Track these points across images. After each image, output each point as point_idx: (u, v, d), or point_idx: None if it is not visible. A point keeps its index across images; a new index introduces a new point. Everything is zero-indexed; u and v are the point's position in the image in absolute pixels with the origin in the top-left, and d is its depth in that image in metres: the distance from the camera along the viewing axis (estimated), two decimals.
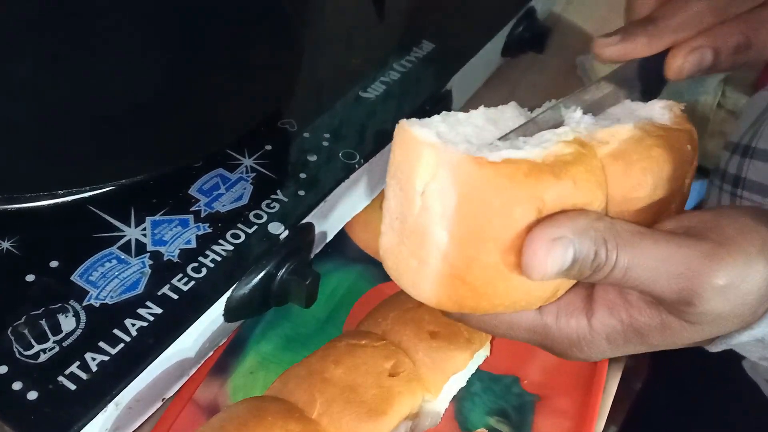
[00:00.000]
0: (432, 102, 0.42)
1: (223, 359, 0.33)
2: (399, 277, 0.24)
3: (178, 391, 0.31)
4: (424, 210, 0.22)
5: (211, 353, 0.33)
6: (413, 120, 0.22)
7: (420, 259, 0.22)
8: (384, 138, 0.39)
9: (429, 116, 0.42)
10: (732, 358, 0.45)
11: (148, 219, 0.31)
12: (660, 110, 0.27)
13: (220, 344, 0.33)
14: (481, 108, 0.25)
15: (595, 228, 0.22)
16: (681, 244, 0.22)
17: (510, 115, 0.25)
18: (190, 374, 0.32)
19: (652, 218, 0.25)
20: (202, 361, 0.32)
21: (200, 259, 0.31)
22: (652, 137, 0.24)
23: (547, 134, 0.23)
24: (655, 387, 0.57)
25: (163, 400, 0.30)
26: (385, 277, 0.41)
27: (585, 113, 0.25)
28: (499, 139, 0.23)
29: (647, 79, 0.30)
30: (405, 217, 0.22)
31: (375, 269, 0.39)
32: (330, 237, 0.38)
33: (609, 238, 0.22)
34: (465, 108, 0.48)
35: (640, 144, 0.24)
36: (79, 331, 0.27)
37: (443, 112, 0.24)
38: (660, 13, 0.28)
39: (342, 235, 0.39)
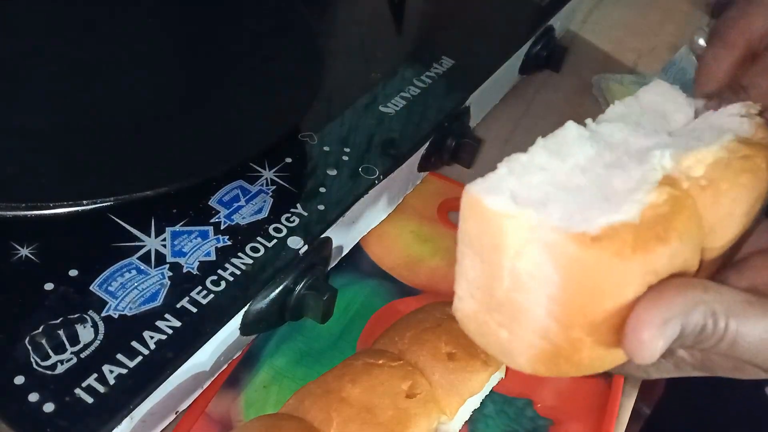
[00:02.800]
0: (450, 118, 0.42)
1: (237, 373, 0.33)
2: (486, 344, 0.22)
3: (191, 404, 0.31)
4: (517, 287, 0.20)
5: (225, 366, 0.32)
6: (481, 185, 0.20)
7: (513, 332, 0.21)
8: (403, 153, 0.39)
9: (448, 132, 0.42)
10: (747, 384, 0.45)
11: (168, 229, 0.31)
12: (738, 119, 0.24)
13: (234, 358, 0.33)
14: (539, 141, 0.22)
15: (704, 300, 0.20)
16: None
17: (572, 139, 0.22)
18: (204, 387, 0.31)
19: (736, 245, 0.23)
20: (216, 375, 0.32)
21: (219, 272, 0.30)
22: (739, 159, 0.22)
23: (635, 176, 0.21)
24: (666, 411, 0.57)
25: (176, 413, 0.30)
26: (399, 294, 0.41)
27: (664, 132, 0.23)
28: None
29: None
30: (491, 289, 0.21)
31: (389, 285, 0.39)
32: (346, 251, 0.38)
33: (718, 310, 0.20)
34: (482, 125, 0.49)
35: (728, 169, 0.22)
36: (97, 343, 0.27)
37: (505, 160, 0.21)
38: (748, 81, 0.27)
39: (357, 249, 0.39)
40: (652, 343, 0.20)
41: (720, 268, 0.24)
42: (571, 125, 0.23)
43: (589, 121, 0.24)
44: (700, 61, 0.30)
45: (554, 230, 0.19)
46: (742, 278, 0.23)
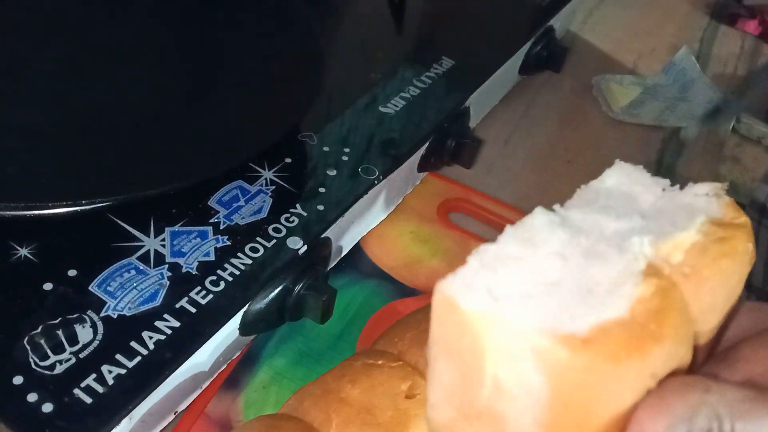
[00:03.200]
0: (450, 118, 0.42)
1: (236, 373, 0.33)
2: None
3: (190, 404, 0.31)
4: (500, 396, 0.18)
5: (224, 367, 0.32)
6: (453, 282, 0.18)
7: None
8: (403, 153, 0.39)
9: (448, 132, 0.42)
10: None
11: (168, 229, 0.31)
12: (706, 199, 0.23)
13: (234, 358, 0.33)
14: (507, 229, 0.20)
15: (708, 402, 0.19)
16: None
17: (541, 226, 0.21)
18: (204, 387, 0.31)
19: (719, 333, 0.22)
20: (216, 375, 0.32)
21: (218, 272, 0.30)
22: (715, 243, 0.21)
23: (616, 266, 0.19)
24: None
25: (175, 413, 0.30)
26: (399, 294, 0.41)
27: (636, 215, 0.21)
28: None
29: None
30: (470, 397, 0.19)
31: (389, 285, 0.39)
32: (345, 251, 0.38)
33: (722, 412, 0.19)
34: (482, 125, 0.49)
35: (706, 255, 0.21)
36: (96, 343, 0.27)
37: (474, 252, 0.19)
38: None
39: (356, 250, 0.39)
40: None
41: (706, 358, 0.23)
42: (539, 211, 0.21)
43: (557, 206, 0.22)
44: None
45: (540, 333, 0.17)
46: (736, 372, 0.22)
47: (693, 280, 0.20)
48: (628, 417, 0.18)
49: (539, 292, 0.18)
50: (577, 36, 0.61)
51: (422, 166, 0.42)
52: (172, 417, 0.30)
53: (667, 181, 0.24)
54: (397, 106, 0.41)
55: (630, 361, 0.18)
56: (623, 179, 0.24)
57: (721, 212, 0.22)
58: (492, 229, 0.43)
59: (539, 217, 0.21)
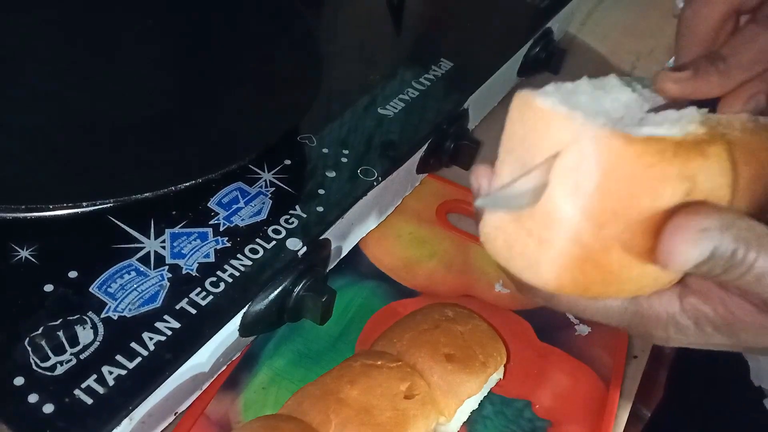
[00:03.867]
0: (449, 120, 0.42)
1: (236, 374, 0.33)
2: (509, 258, 0.21)
3: (190, 405, 0.31)
4: (551, 183, 0.20)
5: (224, 368, 0.32)
6: (531, 92, 0.21)
7: (542, 239, 0.20)
8: (402, 155, 0.39)
9: (446, 134, 0.42)
10: (747, 396, 0.45)
11: (168, 231, 0.31)
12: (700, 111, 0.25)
13: (233, 359, 0.33)
14: (584, 78, 0.23)
15: (738, 226, 0.20)
16: None
17: (614, 83, 0.24)
18: (203, 389, 0.31)
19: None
20: (215, 376, 0.32)
21: (218, 273, 0.30)
22: (765, 131, 0.24)
23: (675, 114, 0.22)
24: (667, 414, 0.57)
25: (175, 414, 0.30)
26: (398, 295, 0.41)
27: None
28: (648, 111, 0.22)
29: None
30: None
31: (388, 286, 0.39)
32: (345, 252, 0.38)
33: (751, 239, 0.20)
34: (480, 127, 0.49)
35: (756, 135, 0.23)
36: (96, 344, 0.27)
37: (552, 83, 0.22)
38: (729, 51, 0.27)
39: (355, 251, 0.39)
40: (687, 248, 0.19)
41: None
42: (613, 77, 0.24)
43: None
44: (679, 20, 0.30)
45: (603, 128, 0.19)
46: None
47: (744, 149, 0.22)
48: (663, 217, 0.20)
49: (606, 114, 0.21)
50: (575, 38, 0.61)
51: (421, 168, 0.42)
52: (172, 418, 0.30)
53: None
54: (396, 108, 0.41)
55: (675, 161, 0.20)
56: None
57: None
58: None
59: (612, 78, 0.24)
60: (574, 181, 0.20)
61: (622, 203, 0.20)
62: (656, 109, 0.24)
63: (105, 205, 0.28)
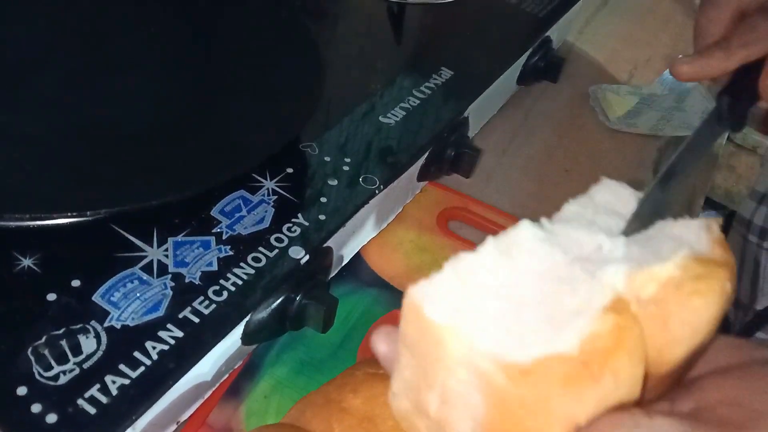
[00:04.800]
0: (449, 128, 0.42)
1: (238, 383, 0.33)
2: None
3: (192, 414, 0.31)
4: (447, 402, 0.20)
5: (226, 376, 0.32)
6: (423, 289, 0.20)
7: None
8: (403, 163, 0.39)
9: (447, 142, 0.42)
10: None
11: (171, 240, 0.31)
12: (697, 233, 0.23)
13: (236, 367, 0.33)
14: (490, 240, 0.21)
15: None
16: None
17: (525, 240, 0.22)
18: (206, 397, 0.31)
19: (688, 364, 0.22)
20: (217, 385, 0.32)
21: (221, 282, 0.31)
22: (692, 281, 0.21)
23: (583, 293, 0.20)
24: None
25: (177, 423, 0.30)
26: (400, 303, 0.41)
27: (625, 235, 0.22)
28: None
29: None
30: (422, 398, 0.21)
31: (389, 294, 0.39)
32: (346, 260, 0.38)
33: None
34: (480, 135, 0.49)
35: (680, 291, 0.21)
36: (99, 353, 0.27)
37: (452, 259, 0.21)
38: (731, 34, 0.30)
39: (357, 259, 0.39)
40: None
41: (672, 385, 0.23)
42: (526, 225, 0.22)
43: (544, 220, 0.23)
44: (695, 24, 0.34)
45: (487, 357, 0.18)
46: (690, 399, 0.22)
47: (659, 316, 0.21)
48: None
49: (501, 312, 0.20)
50: (573, 46, 0.62)
51: (422, 176, 0.42)
52: (174, 427, 0.30)
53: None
54: (396, 117, 0.41)
55: (563, 396, 0.18)
56: (610, 197, 0.25)
57: (709, 248, 0.22)
58: (492, 237, 0.43)
59: (524, 231, 0.22)
60: (462, 405, 0.19)
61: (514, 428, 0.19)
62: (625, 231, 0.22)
63: (108, 214, 0.28)
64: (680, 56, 0.31)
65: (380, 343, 0.23)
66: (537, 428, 0.19)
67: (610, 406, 0.19)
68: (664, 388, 0.22)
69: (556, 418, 0.19)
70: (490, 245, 0.21)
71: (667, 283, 0.21)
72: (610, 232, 0.23)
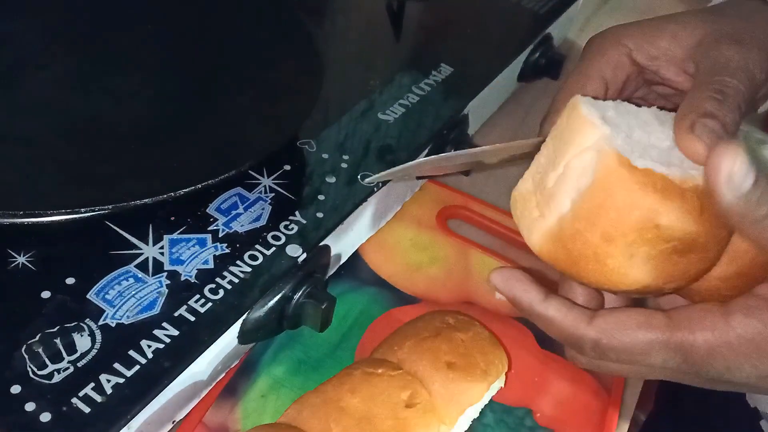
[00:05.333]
0: (449, 126, 0.42)
1: (234, 382, 0.33)
2: (519, 219, 0.27)
3: (188, 413, 0.31)
4: (563, 177, 0.25)
5: (222, 375, 0.32)
6: (587, 98, 0.26)
7: (542, 213, 0.26)
8: (402, 161, 0.39)
9: (446, 139, 0.42)
10: (734, 395, 0.45)
11: (166, 237, 0.31)
12: None
13: (232, 366, 0.33)
14: (653, 107, 0.27)
15: None
16: None
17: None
18: (202, 396, 0.31)
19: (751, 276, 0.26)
20: (213, 384, 0.32)
21: (218, 280, 0.30)
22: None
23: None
24: (659, 420, 0.57)
25: (173, 422, 0.30)
26: (398, 302, 0.41)
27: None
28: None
29: None
30: (546, 175, 0.26)
31: (388, 293, 0.39)
32: (344, 259, 0.38)
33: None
34: (480, 132, 0.49)
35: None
36: (94, 351, 0.27)
37: (617, 100, 0.27)
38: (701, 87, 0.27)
39: (355, 257, 0.39)
40: (736, 166, 0.21)
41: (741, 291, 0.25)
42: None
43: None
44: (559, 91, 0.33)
45: (611, 146, 0.23)
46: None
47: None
48: (624, 234, 0.24)
49: (634, 138, 0.25)
50: (574, 43, 0.61)
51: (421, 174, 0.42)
52: (169, 426, 0.30)
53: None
54: (396, 113, 0.41)
55: (653, 195, 0.23)
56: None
57: None
58: (491, 236, 0.43)
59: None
60: (575, 180, 0.24)
61: (598, 210, 0.24)
62: None
63: (103, 211, 0.28)
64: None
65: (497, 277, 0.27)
66: (624, 207, 0.23)
67: (680, 233, 0.23)
68: (732, 290, 0.26)
69: (639, 206, 0.23)
70: (652, 110, 0.27)
71: None
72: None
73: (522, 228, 0.27)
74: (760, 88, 0.28)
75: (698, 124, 0.25)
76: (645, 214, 0.23)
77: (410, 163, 0.31)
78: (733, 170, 0.21)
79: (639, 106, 0.27)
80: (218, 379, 0.32)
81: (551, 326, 0.26)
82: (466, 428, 0.32)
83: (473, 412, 0.32)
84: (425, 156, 0.41)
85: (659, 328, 0.24)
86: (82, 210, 0.27)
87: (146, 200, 0.28)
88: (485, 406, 0.34)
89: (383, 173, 0.30)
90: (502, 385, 0.34)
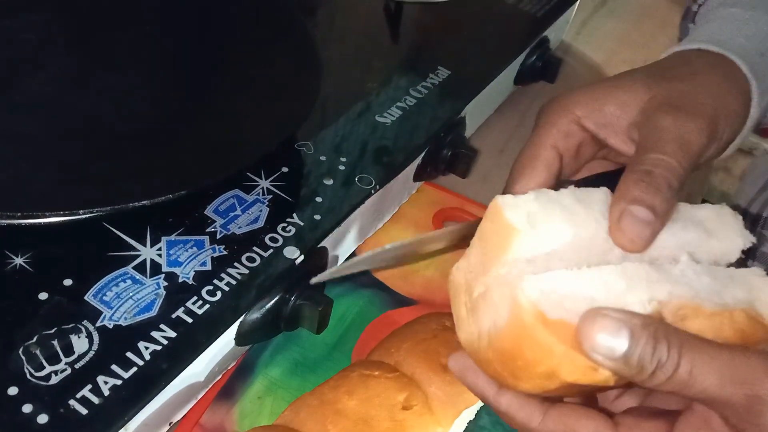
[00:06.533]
0: (446, 128, 0.42)
1: (231, 383, 0.33)
2: (452, 303, 0.26)
3: (185, 415, 0.31)
4: (484, 298, 0.24)
5: (219, 377, 0.32)
6: (508, 197, 0.24)
7: (468, 316, 0.25)
8: (399, 163, 0.39)
9: (443, 142, 0.42)
10: None
11: (164, 239, 0.31)
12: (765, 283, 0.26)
13: (229, 368, 0.33)
14: (570, 188, 0.25)
15: (656, 327, 0.21)
16: (743, 352, 0.22)
17: (597, 199, 0.25)
18: (198, 398, 0.31)
19: None
20: (211, 385, 0.32)
21: (215, 282, 0.30)
22: (731, 330, 0.24)
23: (628, 274, 0.23)
24: None
25: (170, 424, 0.30)
26: (395, 304, 0.41)
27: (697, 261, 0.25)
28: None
29: None
30: (476, 278, 0.24)
31: (384, 295, 0.39)
32: (342, 261, 0.38)
33: (671, 337, 0.21)
34: (477, 135, 0.49)
35: (718, 334, 0.23)
36: (92, 353, 0.27)
37: (536, 190, 0.25)
38: (651, 163, 0.27)
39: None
40: (606, 337, 0.21)
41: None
42: (604, 190, 0.26)
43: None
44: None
45: (528, 295, 0.22)
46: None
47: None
48: (533, 384, 0.23)
49: (561, 244, 0.23)
50: (571, 47, 0.62)
51: (418, 176, 0.42)
52: (166, 428, 0.30)
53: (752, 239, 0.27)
54: (393, 116, 0.41)
55: (563, 357, 0.22)
56: (712, 215, 0.27)
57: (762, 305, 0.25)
58: None
59: (600, 193, 0.26)
60: (493, 308, 0.23)
61: (509, 355, 0.23)
62: None
63: (101, 213, 0.28)
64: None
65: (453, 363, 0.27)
66: (531, 361, 0.22)
67: (587, 385, 0.23)
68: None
69: (546, 366, 0.22)
70: (570, 191, 0.25)
71: (708, 320, 0.23)
72: (683, 243, 0.26)
73: (453, 313, 0.26)
74: (702, 153, 0.28)
75: (625, 214, 0.24)
76: (550, 370, 0.22)
77: (347, 262, 0.31)
78: (597, 341, 0.21)
79: (557, 189, 0.25)
80: (215, 381, 0.32)
81: (504, 417, 0.26)
82: (462, 430, 0.33)
83: (469, 414, 0.33)
84: (422, 158, 0.41)
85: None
86: (81, 211, 0.27)
87: (145, 202, 0.28)
88: (481, 408, 0.34)
89: (325, 273, 0.31)
90: None
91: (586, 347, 0.21)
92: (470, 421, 0.33)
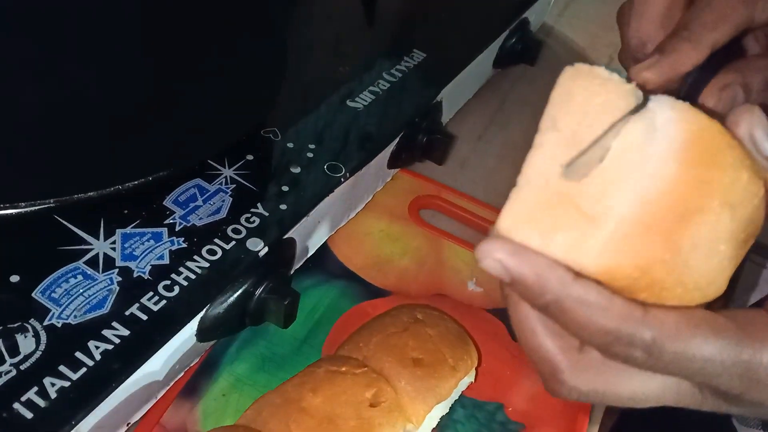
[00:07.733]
0: (421, 113, 0.41)
1: (194, 381, 0.32)
2: (542, 241, 0.20)
3: (144, 415, 0.29)
4: (613, 164, 0.19)
5: (181, 375, 0.31)
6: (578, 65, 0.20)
7: (591, 218, 0.19)
8: (372, 150, 0.37)
9: (419, 127, 0.41)
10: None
11: (119, 231, 0.29)
12: None
13: (191, 365, 0.31)
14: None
15: None
16: None
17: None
18: (158, 398, 0.30)
19: None
20: (171, 384, 0.30)
21: (173, 276, 0.29)
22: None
23: None
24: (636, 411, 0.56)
25: (127, 425, 0.29)
26: (368, 295, 0.39)
27: None
28: None
29: None
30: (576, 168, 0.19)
31: (357, 286, 0.37)
32: (312, 252, 0.36)
33: None
34: (454, 120, 0.48)
35: None
36: (38, 353, 0.25)
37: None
38: (688, 18, 0.26)
39: (323, 249, 0.38)
40: None
41: None
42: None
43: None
44: (627, 31, 0.30)
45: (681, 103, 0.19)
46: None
47: None
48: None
49: None
50: (552, 29, 0.60)
51: (392, 163, 0.40)
52: (124, 429, 0.28)
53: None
54: (366, 101, 0.40)
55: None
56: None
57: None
58: (465, 226, 0.41)
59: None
60: (640, 155, 0.18)
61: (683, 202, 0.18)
62: None
63: (45, 206, 0.26)
64: (639, 65, 0.26)
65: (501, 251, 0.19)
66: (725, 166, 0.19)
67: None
68: None
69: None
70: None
71: None
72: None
73: (561, 249, 0.19)
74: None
75: None
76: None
77: None
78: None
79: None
80: (176, 379, 0.31)
81: (581, 316, 0.19)
82: (435, 425, 0.31)
83: (442, 408, 0.31)
84: (396, 144, 0.40)
85: (730, 336, 0.19)
86: (22, 204, 0.26)
87: (91, 193, 0.27)
88: (456, 401, 0.33)
89: None
90: (472, 381, 0.33)
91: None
92: (444, 414, 0.32)
